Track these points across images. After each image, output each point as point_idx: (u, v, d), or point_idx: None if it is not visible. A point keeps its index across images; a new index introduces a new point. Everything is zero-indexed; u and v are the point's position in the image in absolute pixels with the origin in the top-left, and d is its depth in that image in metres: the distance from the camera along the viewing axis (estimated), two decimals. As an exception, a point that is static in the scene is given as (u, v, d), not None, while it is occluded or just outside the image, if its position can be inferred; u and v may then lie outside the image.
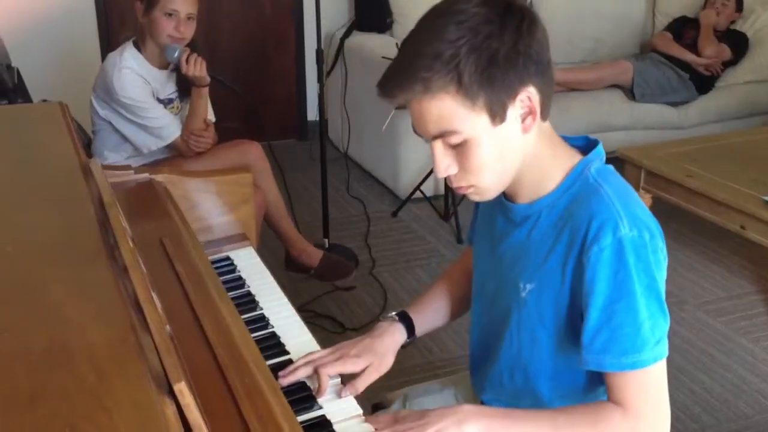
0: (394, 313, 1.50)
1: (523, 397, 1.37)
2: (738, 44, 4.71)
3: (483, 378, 1.44)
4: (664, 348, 1.18)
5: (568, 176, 1.24)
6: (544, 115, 1.21)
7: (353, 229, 3.86)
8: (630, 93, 4.54)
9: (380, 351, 1.42)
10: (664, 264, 1.21)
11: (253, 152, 3.15)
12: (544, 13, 4.42)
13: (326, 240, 3.56)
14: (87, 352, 1.03)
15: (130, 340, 1.05)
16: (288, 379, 1.35)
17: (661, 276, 1.19)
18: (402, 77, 1.15)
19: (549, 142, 1.25)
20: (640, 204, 1.22)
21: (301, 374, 1.37)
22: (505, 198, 1.31)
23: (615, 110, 4.50)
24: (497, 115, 1.15)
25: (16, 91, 3.36)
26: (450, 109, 1.14)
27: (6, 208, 1.50)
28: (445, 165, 1.20)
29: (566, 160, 1.26)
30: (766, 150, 3.55)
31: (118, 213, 1.36)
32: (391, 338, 1.45)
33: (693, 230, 3.78)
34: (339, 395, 1.35)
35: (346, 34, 4.59)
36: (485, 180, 1.21)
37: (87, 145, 3.06)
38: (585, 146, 1.30)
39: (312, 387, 1.36)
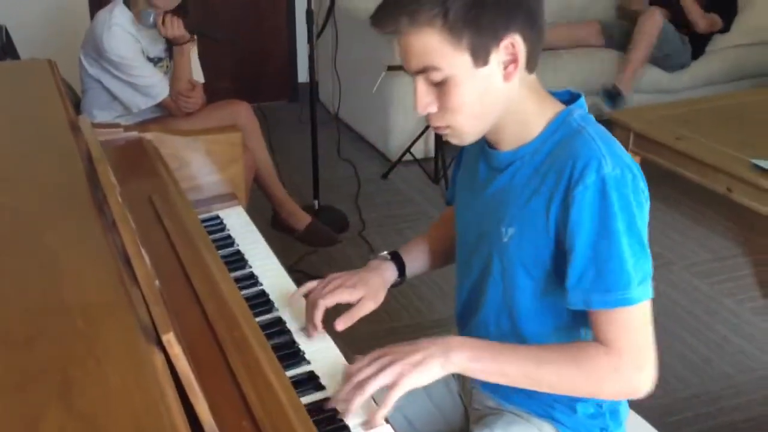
0: (386, 252, 1.53)
1: (509, 341, 1.38)
2: (727, 9, 4.66)
3: (468, 331, 1.46)
4: (649, 288, 1.19)
5: (552, 123, 1.26)
6: (530, 67, 1.23)
7: (343, 191, 3.87)
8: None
9: (374, 285, 1.45)
10: (646, 206, 1.23)
11: (242, 112, 3.15)
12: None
13: (316, 202, 3.57)
14: (78, 301, 1.05)
15: (120, 292, 1.06)
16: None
17: (642, 217, 1.20)
18: (391, 7, 1.17)
19: (534, 93, 1.26)
20: (622, 149, 1.24)
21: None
22: (488, 146, 1.32)
23: (606, 73, 4.49)
24: (480, 57, 1.17)
25: (4, 49, 3.34)
26: (433, 45, 1.16)
27: (-5, 164, 1.51)
28: (425, 102, 1.22)
29: (550, 109, 1.28)
30: (755, 113, 3.56)
31: (107, 168, 1.36)
32: (383, 274, 1.48)
33: (681, 192, 3.80)
34: (335, 327, 1.38)
35: (337, -5, 4.56)
36: (463, 121, 1.23)
37: (76, 104, 3.05)
38: (569, 99, 1.32)
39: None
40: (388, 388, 1.18)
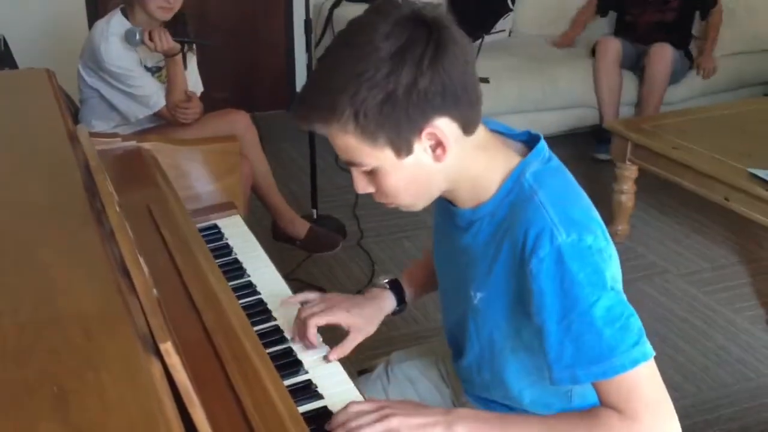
0: (386, 280, 1.51)
1: (493, 389, 1.38)
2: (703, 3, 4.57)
3: (459, 366, 1.45)
4: (644, 349, 1.12)
5: (506, 182, 1.20)
6: (470, 131, 1.16)
7: (341, 200, 3.87)
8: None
9: (368, 313, 1.44)
10: (613, 263, 1.17)
11: (241, 122, 3.15)
12: None
13: (314, 211, 3.57)
14: (75, 312, 1.05)
15: (117, 302, 1.06)
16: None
17: (612, 275, 1.14)
18: (305, 112, 1.14)
19: (482, 151, 1.20)
20: (581, 203, 1.18)
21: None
22: (451, 203, 1.27)
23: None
24: (402, 150, 1.12)
25: (3, 59, 3.35)
26: (352, 145, 1.12)
27: (-7, 173, 1.51)
28: (362, 186, 1.20)
29: (503, 163, 1.21)
30: (752, 122, 3.56)
31: (105, 178, 1.37)
32: (380, 304, 1.47)
33: (678, 202, 3.81)
34: (326, 360, 1.38)
35: (335, 4, 4.58)
36: (403, 201, 1.20)
37: (74, 114, 3.06)
38: (528, 140, 1.26)
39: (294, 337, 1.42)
40: None
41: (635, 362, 1.11)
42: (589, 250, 1.12)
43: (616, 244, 1.22)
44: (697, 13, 4.57)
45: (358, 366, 1.68)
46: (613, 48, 4.33)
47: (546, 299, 1.12)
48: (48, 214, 1.35)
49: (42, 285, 1.13)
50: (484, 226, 1.22)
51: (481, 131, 1.19)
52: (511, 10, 4.70)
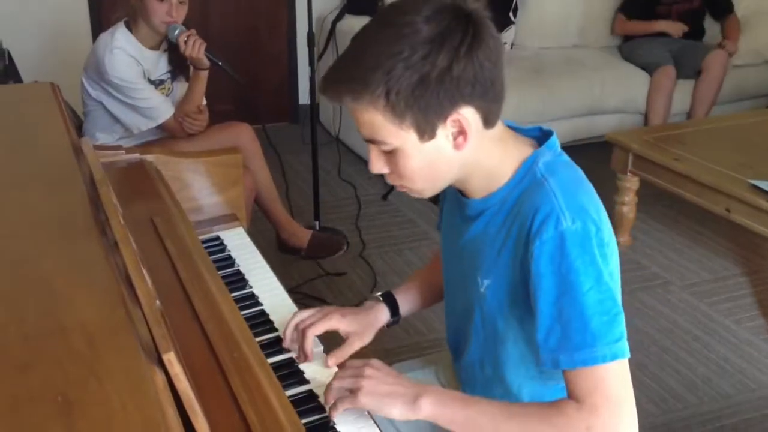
0: (379, 293, 1.53)
1: (493, 385, 1.39)
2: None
3: (459, 367, 1.47)
4: (623, 347, 1.15)
5: (518, 171, 1.24)
6: (490, 124, 1.20)
7: (344, 212, 3.88)
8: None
9: (364, 322, 1.46)
10: (613, 258, 1.20)
11: (244, 134, 3.17)
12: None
13: (317, 222, 3.58)
14: (78, 323, 1.06)
15: (121, 313, 1.07)
16: (286, 339, 1.42)
17: (610, 271, 1.17)
18: (337, 84, 1.16)
19: (497, 144, 1.23)
20: (590, 196, 1.21)
21: (289, 337, 1.42)
22: (461, 193, 1.31)
23: (606, 93, 4.50)
24: (425, 133, 1.15)
25: (7, 72, 3.37)
26: (378, 122, 1.15)
27: (-2, 186, 1.52)
28: (378, 166, 1.23)
29: (516, 155, 1.25)
30: (753, 134, 3.57)
31: (109, 190, 1.38)
32: (375, 314, 1.49)
33: (680, 213, 3.81)
34: (326, 365, 1.39)
35: (338, 18, 4.59)
36: (416, 185, 1.23)
37: (78, 126, 3.07)
38: (539, 137, 1.29)
39: (294, 350, 1.42)
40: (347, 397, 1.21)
41: (614, 356, 1.13)
42: (591, 240, 1.15)
43: (617, 254, 1.24)
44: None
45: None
46: (671, 77, 4.45)
47: (543, 281, 1.15)
48: (53, 226, 1.37)
49: (46, 295, 1.14)
50: (494, 214, 1.26)
51: (498, 125, 1.23)
52: (513, 22, 4.72)
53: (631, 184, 3.40)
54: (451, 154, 1.19)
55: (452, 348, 1.50)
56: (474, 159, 1.21)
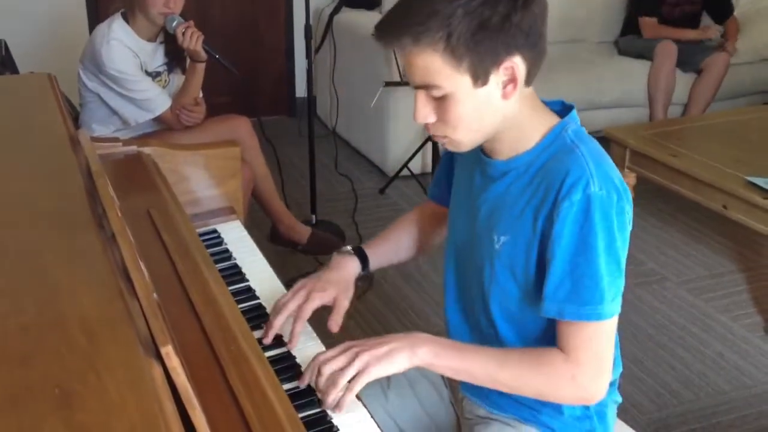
0: (349, 247, 1.57)
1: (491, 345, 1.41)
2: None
3: (453, 328, 1.49)
4: (618, 306, 1.24)
5: (547, 136, 1.29)
6: (529, 82, 1.26)
7: (340, 205, 3.88)
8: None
9: (341, 281, 1.49)
10: (628, 228, 1.27)
11: (241, 127, 3.16)
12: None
13: (313, 216, 3.58)
14: (77, 315, 1.05)
15: (119, 305, 1.07)
16: (268, 335, 1.41)
17: (623, 238, 1.25)
18: (395, 27, 1.20)
19: (530, 105, 1.29)
20: (613, 167, 1.27)
21: (277, 324, 1.42)
22: (484, 154, 1.35)
23: (604, 88, 4.51)
24: (479, 78, 1.20)
25: (4, 63, 3.36)
26: (435, 65, 1.18)
27: (-5, 177, 1.52)
28: (424, 114, 1.26)
29: (545, 121, 1.31)
30: (750, 130, 3.58)
31: (106, 182, 1.37)
32: (346, 269, 1.52)
33: (676, 209, 3.82)
34: (331, 329, 1.43)
35: (336, 11, 4.59)
36: (460, 134, 1.27)
37: (75, 118, 3.06)
38: (561, 110, 1.35)
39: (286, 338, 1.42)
40: (356, 376, 1.23)
41: (611, 314, 1.23)
42: (613, 207, 1.22)
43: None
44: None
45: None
46: (673, 53, 4.49)
47: (563, 240, 1.21)
48: (50, 218, 1.36)
49: (44, 288, 1.14)
50: (519, 175, 1.31)
51: (531, 89, 1.29)
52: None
53: (628, 180, 3.40)
54: (498, 103, 1.23)
55: (448, 310, 1.51)
56: (512, 114, 1.26)
